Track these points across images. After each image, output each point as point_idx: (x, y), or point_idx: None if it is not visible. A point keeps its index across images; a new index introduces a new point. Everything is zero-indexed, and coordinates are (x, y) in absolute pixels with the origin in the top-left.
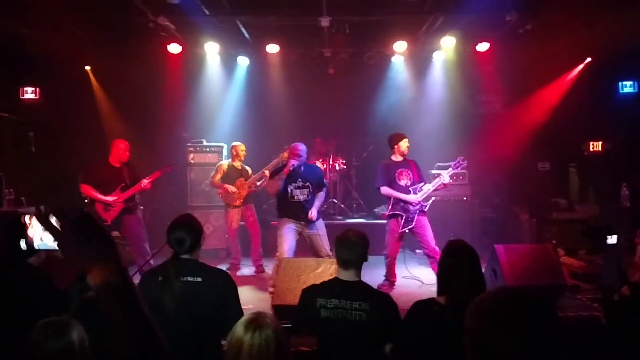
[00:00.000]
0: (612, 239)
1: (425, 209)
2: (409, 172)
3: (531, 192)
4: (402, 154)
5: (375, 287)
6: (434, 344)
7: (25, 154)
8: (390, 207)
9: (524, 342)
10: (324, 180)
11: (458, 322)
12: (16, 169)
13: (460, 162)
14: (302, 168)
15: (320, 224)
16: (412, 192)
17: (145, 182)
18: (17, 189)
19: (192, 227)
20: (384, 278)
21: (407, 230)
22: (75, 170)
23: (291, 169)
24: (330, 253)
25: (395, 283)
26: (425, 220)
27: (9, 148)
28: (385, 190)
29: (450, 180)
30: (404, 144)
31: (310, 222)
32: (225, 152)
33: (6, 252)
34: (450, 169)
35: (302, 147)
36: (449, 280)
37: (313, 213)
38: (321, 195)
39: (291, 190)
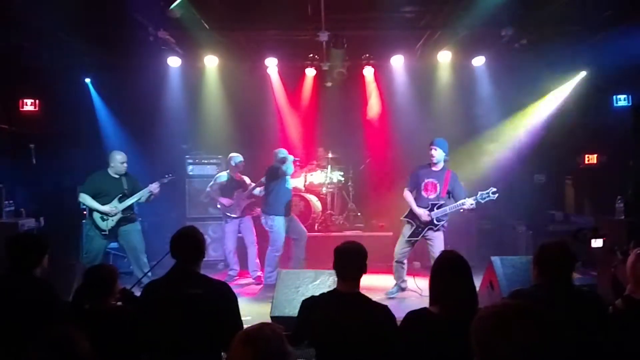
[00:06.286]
0: (597, 242)
1: (435, 229)
2: (437, 184)
3: (528, 204)
4: (431, 162)
5: (384, 294)
6: (427, 353)
7: (25, 165)
8: (408, 211)
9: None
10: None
11: (451, 331)
12: (16, 180)
13: (490, 195)
14: None
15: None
16: (431, 206)
17: (153, 186)
18: (16, 201)
19: (195, 239)
20: (394, 282)
21: (415, 239)
22: (75, 181)
23: None
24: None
25: (406, 288)
26: (435, 235)
27: (9, 160)
28: (405, 194)
29: (472, 205)
30: (431, 151)
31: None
32: (223, 163)
33: (9, 263)
34: (479, 198)
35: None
36: (441, 289)
37: None
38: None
39: None
